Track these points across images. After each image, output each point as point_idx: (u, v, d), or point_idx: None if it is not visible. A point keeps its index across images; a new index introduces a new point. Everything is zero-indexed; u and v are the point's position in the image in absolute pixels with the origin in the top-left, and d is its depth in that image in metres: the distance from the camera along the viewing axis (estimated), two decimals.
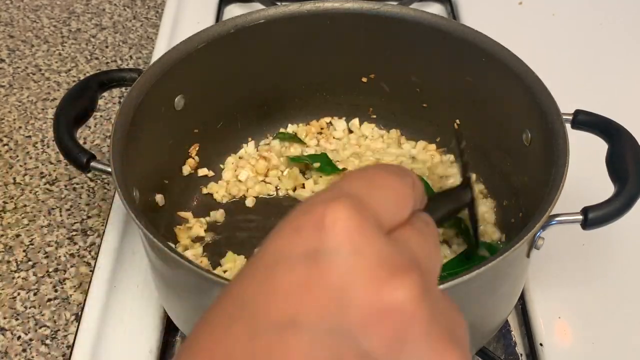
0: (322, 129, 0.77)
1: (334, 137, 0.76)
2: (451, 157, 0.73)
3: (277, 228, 0.25)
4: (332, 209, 0.24)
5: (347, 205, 0.24)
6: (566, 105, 0.57)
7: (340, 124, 0.77)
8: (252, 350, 0.22)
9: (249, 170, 0.72)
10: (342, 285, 0.23)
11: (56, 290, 0.70)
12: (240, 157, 0.74)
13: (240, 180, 0.72)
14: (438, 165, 0.72)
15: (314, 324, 0.22)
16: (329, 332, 0.22)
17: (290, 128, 0.76)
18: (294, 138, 0.75)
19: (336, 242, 0.23)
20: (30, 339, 0.66)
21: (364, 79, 0.73)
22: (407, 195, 0.27)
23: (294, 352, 0.22)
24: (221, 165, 0.73)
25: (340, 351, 0.22)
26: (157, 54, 0.89)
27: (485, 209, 0.68)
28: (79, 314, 0.65)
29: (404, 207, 0.27)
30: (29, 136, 0.86)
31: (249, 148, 0.75)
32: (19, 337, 0.66)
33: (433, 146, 0.74)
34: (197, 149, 0.70)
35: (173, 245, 0.65)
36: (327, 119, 0.77)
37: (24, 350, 0.65)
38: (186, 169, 0.70)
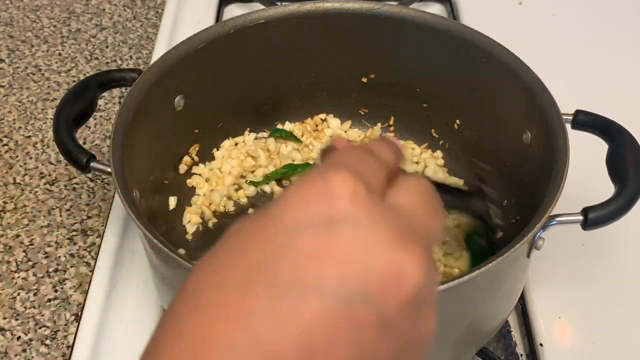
0: (317, 125, 0.77)
1: (325, 135, 0.76)
2: (439, 153, 0.74)
3: (283, 198, 0.25)
4: (339, 177, 0.25)
5: (349, 172, 0.25)
6: (566, 105, 0.57)
7: (334, 121, 0.77)
8: (274, 310, 0.22)
9: (236, 166, 0.72)
10: (360, 251, 0.24)
11: (56, 291, 0.70)
12: (236, 143, 0.74)
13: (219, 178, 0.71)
14: (428, 160, 0.73)
15: (337, 289, 0.23)
16: (351, 298, 0.23)
17: (287, 126, 0.76)
18: (290, 135, 0.75)
19: (350, 209, 0.24)
20: (30, 339, 0.66)
21: (364, 79, 0.73)
22: (382, 166, 0.29)
23: (317, 315, 0.22)
24: (215, 150, 0.73)
25: (361, 317, 0.23)
26: (157, 54, 0.89)
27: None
28: (79, 314, 0.65)
29: (384, 175, 0.28)
30: (29, 136, 0.86)
31: (248, 138, 0.75)
32: (19, 338, 0.66)
33: (411, 142, 0.75)
34: (197, 149, 0.70)
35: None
36: (322, 116, 0.77)
37: (24, 351, 0.65)
38: (182, 167, 0.70)
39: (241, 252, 0.24)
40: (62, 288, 0.70)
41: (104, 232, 0.70)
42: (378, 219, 0.25)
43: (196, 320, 0.23)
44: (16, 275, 0.71)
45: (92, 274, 0.67)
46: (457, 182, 0.71)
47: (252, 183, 0.71)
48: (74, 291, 0.70)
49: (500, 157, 0.67)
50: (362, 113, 0.77)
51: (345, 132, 0.77)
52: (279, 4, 0.75)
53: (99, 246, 0.69)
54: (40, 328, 0.66)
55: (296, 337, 0.22)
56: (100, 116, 0.89)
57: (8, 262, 0.72)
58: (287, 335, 0.22)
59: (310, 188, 0.25)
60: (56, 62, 0.98)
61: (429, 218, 0.28)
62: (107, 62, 0.98)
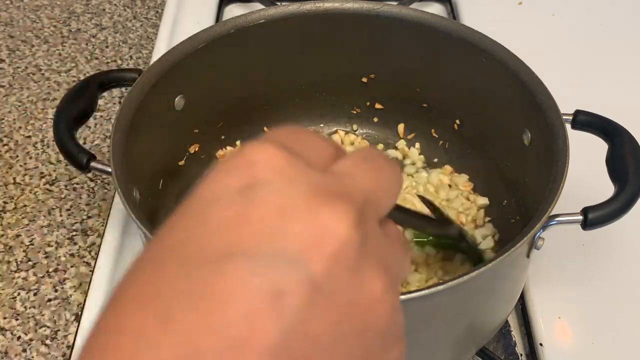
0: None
1: None
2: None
3: (207, 174, 0.24)
4: (260, 148, 0.24)
5: (274, 144, 0.24)
6: (566, 105, 0.57)
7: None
8: (186, 286, 0.21)
9: None
10: (277, 215, 0.22)
11: (56, 290, 0.70)
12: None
13: None
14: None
15: (253, 254, 0.21)
16: (269, 260, 0.21)
17: None
18: None
19: (268, 175, 0.23)
20: (31, 339, 0.66)
21: (364, 79, 0.73)
22: (330, 145, 0.27)
23: (233, 283, 0.21)
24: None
25: (282, 278, 0.21)
26: (157, 54, 0.89)
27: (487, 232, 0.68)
28: (79, 314, 0.65)
29: (328, 153, 0.27)
30: (29, 136, 0.86)
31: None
32: (19, 337, 0.66)
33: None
34: (197, 149, 0.70)
35: None
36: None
37: (24, 351, 0.65)
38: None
39: (162, 234, 0.23)
40: (62, 288, 0.70)
41: (104, 232, 0.70)
42: (296, 179, 0.23)
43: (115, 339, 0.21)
44: (16, 275, 0.71)
45: (92, 274, 0.67)
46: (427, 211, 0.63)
47: None
48: (74, 291, 0.70)
49: (500, 157, 0.67)
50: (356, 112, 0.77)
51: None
52: (279, 4, 0.75)
53: (99, 246, 0.69)
54: (40, 328, 0.66)
55: (215, 326, 0.20)
56: (100, 116, 0.89)
57: (8, 262, 0.72)
58: (205, 326, 0.20)
59: (230, 162, 0.24)
60: (56, 62, 0.98)
61: (365, 177, 0.26)
62: (107, 62, 0.98)
